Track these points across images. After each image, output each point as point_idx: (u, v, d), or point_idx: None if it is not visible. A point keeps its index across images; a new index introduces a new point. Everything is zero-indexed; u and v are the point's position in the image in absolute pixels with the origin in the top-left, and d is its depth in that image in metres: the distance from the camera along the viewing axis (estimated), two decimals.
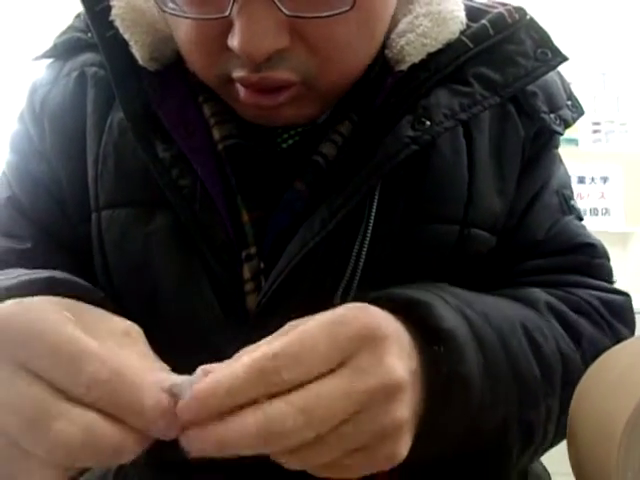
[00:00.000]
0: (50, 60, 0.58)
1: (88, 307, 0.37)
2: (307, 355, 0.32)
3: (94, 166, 0.52)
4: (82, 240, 0.53)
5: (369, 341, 0.34)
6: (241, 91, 0.46)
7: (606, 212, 2.75)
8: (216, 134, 0.50)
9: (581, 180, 2.73)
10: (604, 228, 2.64)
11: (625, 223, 2.74)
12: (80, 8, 0.53)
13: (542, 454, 0.51)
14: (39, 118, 0.55)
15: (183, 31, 0.45)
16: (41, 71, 0.59)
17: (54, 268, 0.49)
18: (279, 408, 0.31)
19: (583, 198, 2.67)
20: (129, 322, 0.36)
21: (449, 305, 0.42)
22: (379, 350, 0.34)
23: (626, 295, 0.56)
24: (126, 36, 0.50)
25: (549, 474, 0.60)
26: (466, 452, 0.42)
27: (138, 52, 0.50)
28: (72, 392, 0.30)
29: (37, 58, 0.58)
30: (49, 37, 0.58)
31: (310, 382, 0.32)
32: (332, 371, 0.33)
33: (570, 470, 0.38)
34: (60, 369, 0.30)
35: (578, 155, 2.61)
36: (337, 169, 0.49)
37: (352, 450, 0.34)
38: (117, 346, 0.33)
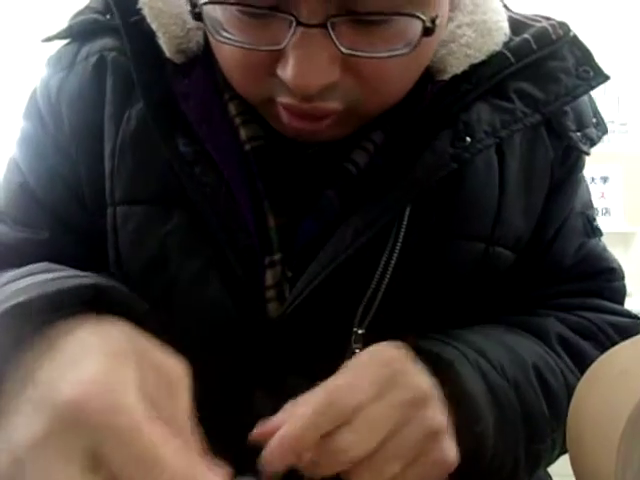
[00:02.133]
0: (63, 42, 0.55)
1: (143, 346, 0.32)
2: (354, 388, 0.38)
3: (111, 159, 0.50)
4: (98, 232, 0.51)
5: (397, 366, 0.40)
6: (284, 115, 0.44)
7: (606, 212, 2.74)
8: (243, 134, 0.48)
9: None
10: (604, 228, 2.62)
11: (625, 223, 2.74)
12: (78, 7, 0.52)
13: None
14: (55, 106, 0.53)
15: (230, 55, 0.44)
16: (52, 56, 0.55)
17: (72, 260, 0.47)
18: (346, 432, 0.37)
19: None
20: (176, 364, 0.33)
21: (467, 360, 0.44)
22: (404, 371, 0.39)
23: (636, 318, 0.57)
24: (153, 26, 0.48)
25: (549, 475, 0.60)
26: None
27: (165, 44, 0.48)
28: None
29: (49, 39, 0.55)
30: (44, 31, 0.55)
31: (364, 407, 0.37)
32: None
33: (571, 471, 0.38)
34: (134, 471, 0.27)
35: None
36: (369, 178, 0.47)
37: (406, 464, 0.38)
38: (166, 400, 0.31)
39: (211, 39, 0.45)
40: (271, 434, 0.37)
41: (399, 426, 0.38)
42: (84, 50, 0.53)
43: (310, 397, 0.38)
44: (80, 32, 0.54)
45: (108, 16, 0.52)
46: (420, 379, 0.40)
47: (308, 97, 0.41)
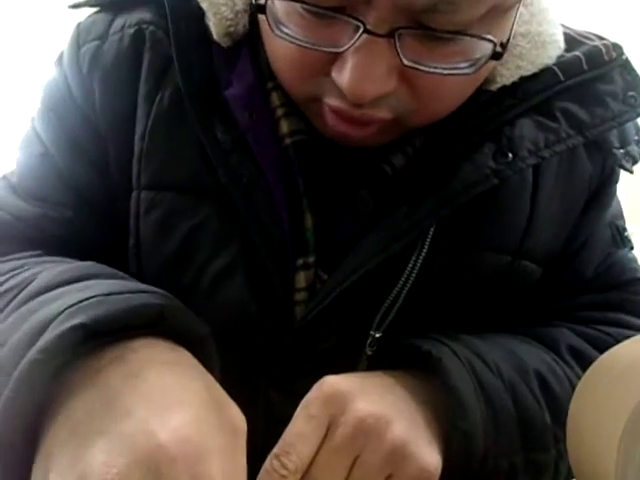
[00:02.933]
0: (93, 10, 0.52)
1: (218, 396, 0.35)
2: (297, 441, 0.38)
3: (141, 141, 0.48)
4: (120, 216, 0.49)
5: (339, 399, 0.39)
6: (330, 117, 0.43)
7: None
8: (284, 127, 0.46)
9: None
10: None
11: (625, 223, 2.74)
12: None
13: None
14: (87, 78, 0.49)
15: (284, 51, 0.42)
16: (81, 25, 0.51)
17: (90, 243, 0.49)
18: None
19: None
20: (240, 417, 0.34)
21: (457, 358, 0.43)
22: (346, 401, 0.39)
23: None
24: (204, 5, 0.46)
25: None
26: None
27: (215, 26, 0.46)
28: None
29: (76, 5, 0.51)
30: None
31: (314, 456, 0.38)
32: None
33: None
34: None
35: None
36: (405, 182, 0.46)
37: None
38: (230, 457, 0.32)
39: (265, 34, 0.43)
40: None
41: (356, 458, 0.38)
42: (119, 21, 0.50)
43: (263, 468, 0.38)
44: (113, 1, 0.51)
45: None
46: (363, 405, 0.39)
47: (360, 104, 0.40)
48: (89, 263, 0.43)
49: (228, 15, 0.46)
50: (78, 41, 0.51)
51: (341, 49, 0.38)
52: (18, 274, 0.42)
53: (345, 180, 0.47)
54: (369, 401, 0.39)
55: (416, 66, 0.38)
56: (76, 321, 0.31)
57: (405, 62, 0.38)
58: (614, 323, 0.54)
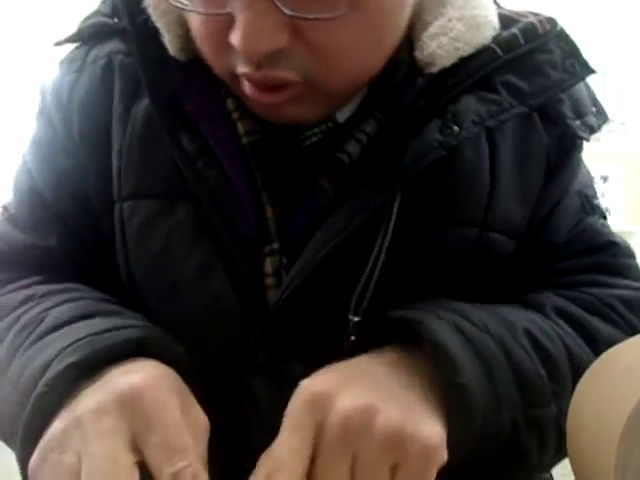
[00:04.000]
0: (73, 46, 0.57)
1: (182, 389, 0.40)
2: (289, 455, 0.37)
3: (118, 157, 0.52)
4: (105, 235, 0.53)
5: (320, 402, 0.38)
6: (246, 87, 0.46)
7: (606, 211, 2.75)
8: (240, 128, 0.50)
9: None
10: None
11: (625, 222, 2.74)
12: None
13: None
14: (66, 108, 0.54)
15: (192, 24, 0.46)
16: (63, 59, 0.57)
17: (78, 268, 0.53)
18: None
19: None
20: (204, 417, 0.39)
21: (441, 320, 0.43)
22: (328, 402, 0.38)
23: None
24: (158, 25, 0.49)
25: (551, 474, 0.60)
26: (481, 458, 0.43)
27: (170, 43, 0.49)
28: (163, 470, 0.34)
29: (60, 43, 0.56)
30: (47, 37, 0.57)
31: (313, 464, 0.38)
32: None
33: (570, 470, 0.38)
34: (161, 454, 0.35)
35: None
36: (362, 168, 0.49)
37: (392, 473, 0.37)
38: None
39: (186, 16, 0.46)
40: None
41: (353, 455, 0.37)
42: (93, 53, 0.55)
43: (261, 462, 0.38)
44: (89, 35, 0.55)
45: (116, 19, 0.54)
46: (345, 399, 0.38)
47: (257, 63, 0.43)
48: (89, 301, 0.48)
49: (181, 32, 0.49)
50: (59, 76, 0.56)
51: (226, 10, 0.41)
52: (31, 308, 0.48)
53: (305, 172, 0.49)
54: (351, 395, 0.38)
55: (298, 14, 0.40)
56: (71, 360, 0.39)
57: (287, 12, 0.40)
58: (592, 284, 0.54)
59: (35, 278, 0.52)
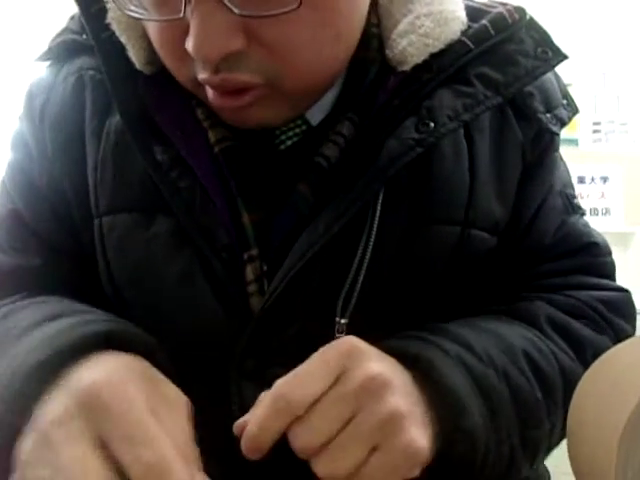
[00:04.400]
0: (46, 63, 0.57)
1: (152, 374, 0.39)
2: (306, 379, 0.39)
3: (94, 173, 0.52)
4: (86, 249, 0.53)
5: (355, 355, 0.39)
6: (209, 93, 0.45)
7: (606, 212, 2.75)
8: (211, 137, 0.50)
9: (581, 180, 2.73)
10: (604, 228, 2.64)
11: (625, 223, 2.74)
12: (75, 9, 0.53)
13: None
14: (39, 128, 0.55)
15: (151, 33, 0.45)
16: (37, 75, 0.57)
17: (65, 284, 0.53)
18: (299, 427, 0.38)
19: (583, 198, 2.67)
20: (180, 395, 0.39)
21: (449, 356, 0.43)
22: (362, 358, 0.39)
23: (625, 291, 0.57)
24: (122, 39, 0.49)
25: (549, 474, 0.60)
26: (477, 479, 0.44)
27: (135, 56, 0.49)
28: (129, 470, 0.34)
29: (35, 61, 0.57)
30: (46, 37, 0.57)
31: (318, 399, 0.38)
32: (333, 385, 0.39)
33: (570, 469, 0.38)
34: (131, 447, 0.34)
35: (578, 155, 2.61)
36: (340, 171, 0.48)
37: (369, 453, 0.38)
38: (167, 416, 0.37)
39: (145, 26, 0.46)
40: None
41: (355, 413, 0.38)
42: (63, 71, 0.55)
43: (266, 395, 0.39)
44: (59, 53, 0.56)
45: (84, 36, 0.54)
46: (377, 365, 0.40)
47: (214, 67, 0.42)
48: (57, 305, 0.47)
49: (147, 45, 0.49)
50: (31, 96, 0.56)
51: (179, 15, 0.40)
52: (7, 320, 0.47)
53: (283, 177, 0.49)
54: (380, 365, 0.40)
55: (248, 13, 0.40)
56: (35, 360, 0.37)
57: (236, 11, 0.39)
58: (577, 286, 0.55)
59: (16, 297, 0.52)
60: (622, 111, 2.82)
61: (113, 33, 0.50)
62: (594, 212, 2.75)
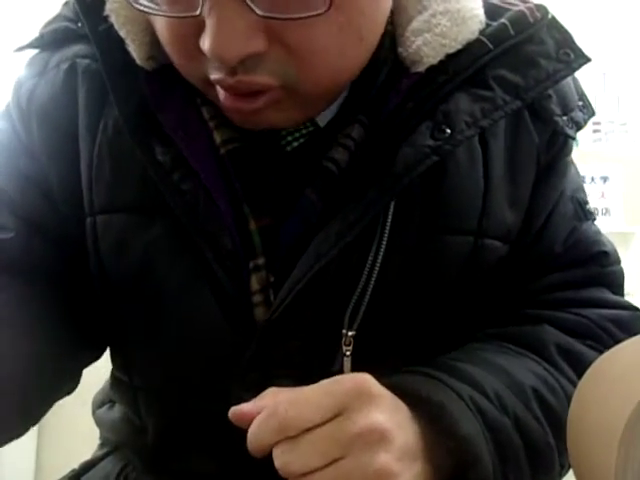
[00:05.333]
0: (36, 51, 0.55)
1: None
2: (307, 406, 0.37)
3: (88, 170, 0.50)
4: (73, 237, 0.51)
5: (364, 398, 0.38)
6: (221, 94, 0.43)
7: (606, 212, 2.74)
8: (217, 138, 0.47)
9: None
10: (604, 228, 2.61)
11: (625, 223, 2.74)
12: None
13: None
14: (25, 113, 0.52)
15: (159, 29, 0.43)
16: (26, 63, 0.55)
17: (42, 260, 0.50)
18: (285, 446, 0.37)
19: None
20: None
21: (462, 401, 0.42)
22: (370, 403, 0.38)
23: (635, 309, 0.55)
24: (122, 33, 0.47)
25: None
26: None
27: (135, 51, 0.47)
28: None
29: (21, 48, 0.54)
30: (33, 28, 0.54)
31: (314, 427, 0.37)
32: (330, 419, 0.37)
33: (570, 470, 0.38)
34: None
35: (578, 155, 2.60)
36: (351, 177, 0.46)
37: None
38: None
39: (152, 20, 0.44)
40: (243, 419, 0.39)
41: (343, 456, 0.37)
42: (55, 57, 0.53)
43: (268, 401, 0.39)
44: (51, 41, 0.53)
45: (79, 24, 0.51)
46: (382, 416, 0.38)
47: (232, 68, 0.40)
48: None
49: (148, 40, 0.47)
50: (20, 79, 0.54)
51: (196, 12, 0.38)
52: None
53: (290, 181, 0.47)
54: (387, 416, 0.38)
55: (271, 15, 0.38)
56: None
57: (259, 12, 0.37)
58: (589, 302, 0.54)
59: None
60: (622, 111, 2.82)
61: (111, 25, 0.47)
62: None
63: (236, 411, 0.39)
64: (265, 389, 0.44)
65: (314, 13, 0.38)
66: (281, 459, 0.37)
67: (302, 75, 0.42)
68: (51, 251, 0.51)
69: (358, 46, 0.43)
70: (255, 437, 0.38)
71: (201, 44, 0.39)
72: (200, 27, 0.39)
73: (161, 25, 0.42)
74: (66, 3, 0.54)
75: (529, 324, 0.52)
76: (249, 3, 0.37)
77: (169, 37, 0.42)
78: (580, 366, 0.49)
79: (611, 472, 0.31)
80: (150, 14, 0.41)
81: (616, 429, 0.31)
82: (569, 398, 0.46)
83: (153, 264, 0.48)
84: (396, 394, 0.41)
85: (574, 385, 0.48)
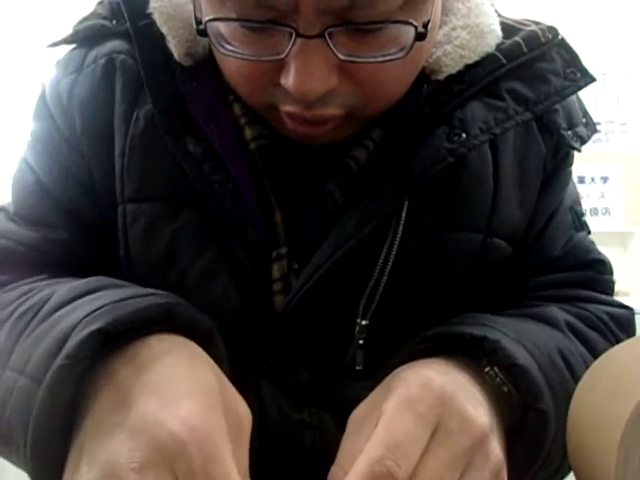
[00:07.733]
0: (70, 47, 0.56)
1: (223, 383, 0.37)
2: (405, 442, 0.35)
3: (120, 158, 0.52)
4: (111, 230, 0.53)
5: (447, 402, 0.37)
6: (288, 122, 0.46)
7: (606, 212, 2.75)
8: (248, 133, 0.50)
9: (581, 180, 2.73)
10: (604, 228, 2.65)
11: (625, 223, 2.75)
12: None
13: None
14: (67, 108, 0.54)
15: (234, 66, 0.45)
16: (59, 61, 0.56)
17: (86, 260, 0.53)
18: None
19: (583, 198, 2.67)
20: (244, 406, 0.37)
21: (511, 339, 0.43)
22: (455, 403, 0.37)
23: (630, 309, 0.58)
24: (163, 30, 0.49)
25: None
26: None
27: (175, 48, 0.49)
28: None
29: (55, 44, 0.56)
30: (50, 32, 0.56)
31: (418, 462, 0.35)
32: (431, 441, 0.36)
33: (571, 470, 0.38)
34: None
35: (578, 155, 2.61)
36: (369, 174, 0.49)
37: None
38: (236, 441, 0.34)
39: (215, 52, 0.46)
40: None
41: (464, 472, 0.36)
42: (92, 54, 0.55)
43: (368, 443, 0.36)
44: (86, 37, 0.55)
45: (114, 22, 0.54)
46: (476, 413, 0.38)
47: (309, 104, 0.43)
48: (95, 278, 0.46)
49: (187, 37, 0.49)
50: (57, 76, 0.55)
51: (282, 56, 0.41)
52: (31, 297, 0.46)
53: (313, 177, 0.50)
54: (476, 409, 0.38)
55: (352, 59, 0.41)
56: (94, 327, 0.35)
57: (341, 57, 0.41)
58: (587, 299, 0.56)
59: (38, 277, 0.51)
60: (622, 111, 2.83)
61: (151, 22, 0.50)
62: (594, 212, 2.75)
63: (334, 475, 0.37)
64: (280, 376, 0.46)
65: (391, 58, 0.42)
66: None
67: (366, 103, 0.45)
68: (93, 248, 0.54)
69: (414, 74, 0.47)
70: None
71: (283, 81, 0.42)
72: (279, 65, 0.42)
73: (238, 64, 0.44)
74: (101, 2, 0.56)
75: (539, 306, 0.54)
76: (332, 48, 0.40)
77: (246, 74, 0.45)
78: (586, 346, 0.51)
79: (611, 472, 0.31)
80: (238, 58, 0.43)
81: (616, 428, 0.31)
82: (586, 366, 0.47)
83: (178, 252, 0.50)
84: (445, 337, 0.43)
85: (588, 359, 0.49)
